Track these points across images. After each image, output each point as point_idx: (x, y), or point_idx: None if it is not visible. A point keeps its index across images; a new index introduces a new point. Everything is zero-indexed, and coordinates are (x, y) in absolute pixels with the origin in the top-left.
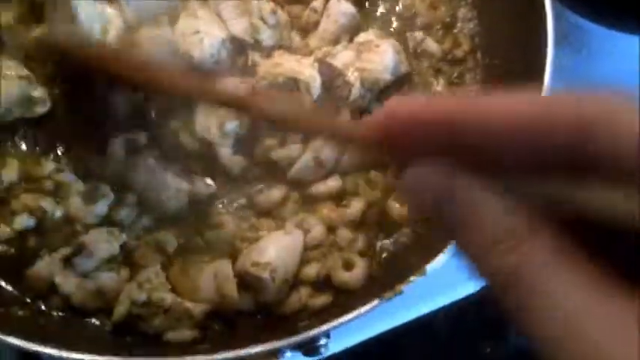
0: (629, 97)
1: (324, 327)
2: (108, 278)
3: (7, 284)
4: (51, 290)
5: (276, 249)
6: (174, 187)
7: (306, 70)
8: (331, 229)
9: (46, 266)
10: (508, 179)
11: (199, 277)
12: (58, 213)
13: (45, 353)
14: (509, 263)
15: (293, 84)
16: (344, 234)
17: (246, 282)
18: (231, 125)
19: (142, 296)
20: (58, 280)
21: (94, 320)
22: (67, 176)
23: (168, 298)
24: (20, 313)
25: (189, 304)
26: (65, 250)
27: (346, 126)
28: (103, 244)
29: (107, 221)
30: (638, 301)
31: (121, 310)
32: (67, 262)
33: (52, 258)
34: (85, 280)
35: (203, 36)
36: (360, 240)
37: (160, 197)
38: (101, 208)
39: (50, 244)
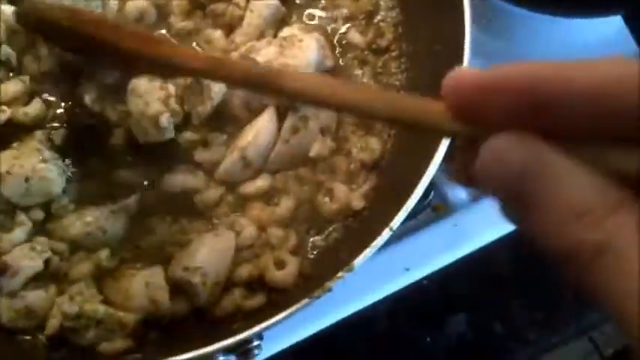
0: None
1: (255, 328)
2: (36, 296)
3: None
4: None
5: (206, 252)
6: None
7: None
8: (262, 228)
9: None
10: (585, 149)
11: (131, 286)
12: None
13: None
14: (594, 238)
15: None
16: (275, 233)
17: (178, 287)
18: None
19: (74, 308)
20: None
21: (27, 337)
22: None
23: (101, 309)
24: None
25: (121, 314)
26: None
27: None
28: (26, 261)
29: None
30: None
31: (53, 323)
32: None
33: None
34: (12, 300)
35: None
36: (291, 238)
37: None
38: (19, 235)
39: None
